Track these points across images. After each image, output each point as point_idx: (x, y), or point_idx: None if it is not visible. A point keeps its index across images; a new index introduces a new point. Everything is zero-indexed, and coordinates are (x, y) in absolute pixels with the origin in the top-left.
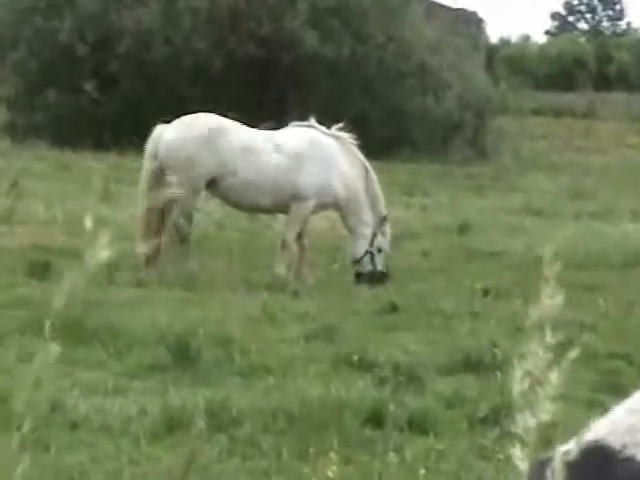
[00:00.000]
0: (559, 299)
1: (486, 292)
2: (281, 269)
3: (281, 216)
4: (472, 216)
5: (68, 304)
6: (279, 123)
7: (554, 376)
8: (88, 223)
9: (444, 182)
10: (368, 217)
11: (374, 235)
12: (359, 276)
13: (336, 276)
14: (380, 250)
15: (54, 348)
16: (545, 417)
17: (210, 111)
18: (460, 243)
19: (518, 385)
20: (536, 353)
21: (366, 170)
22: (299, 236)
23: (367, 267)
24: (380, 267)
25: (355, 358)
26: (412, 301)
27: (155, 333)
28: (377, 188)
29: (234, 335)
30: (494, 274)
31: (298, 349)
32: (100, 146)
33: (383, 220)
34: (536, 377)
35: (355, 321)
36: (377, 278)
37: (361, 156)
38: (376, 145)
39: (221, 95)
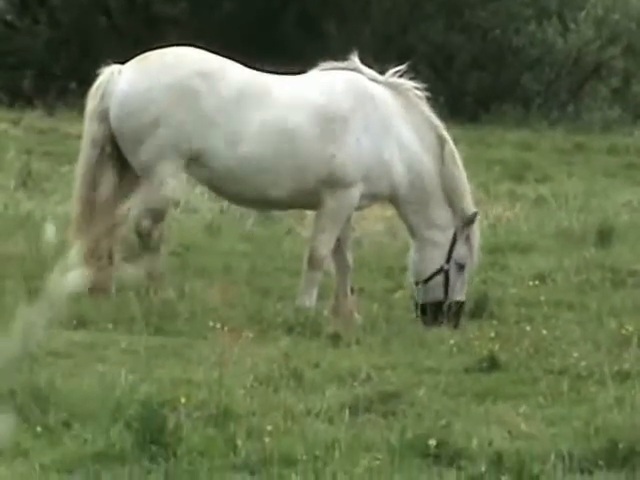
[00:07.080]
0: None
1: None
2: (308, 300)
3: (310, 214)
4: (619, 217)
5: None
6: (300, 63)
7: None
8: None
9: (574, 160)
10: (443, 215)
11: (453, 243)
12: (424, 308)
13: (401, 311)
14: (461, 267)
15: None
16: None
17: (192, 44)
18: (599, 261)
19: None
20: None
21: (441, 139)
22: (338, 247)
23: (437, 294)
24: (459, 295)
25: (432, 443)
26: (522, 354)
27: (109, 402)
28: (459, 169)
29: (235, 406)
30: None
31: (339, 429)
32: (18, 97)
33: (469, 221)
34: None
35: (432, 385)
36: (452, 313)
37: (434, 117)
38: (461, 100)
39: (211, 19)
